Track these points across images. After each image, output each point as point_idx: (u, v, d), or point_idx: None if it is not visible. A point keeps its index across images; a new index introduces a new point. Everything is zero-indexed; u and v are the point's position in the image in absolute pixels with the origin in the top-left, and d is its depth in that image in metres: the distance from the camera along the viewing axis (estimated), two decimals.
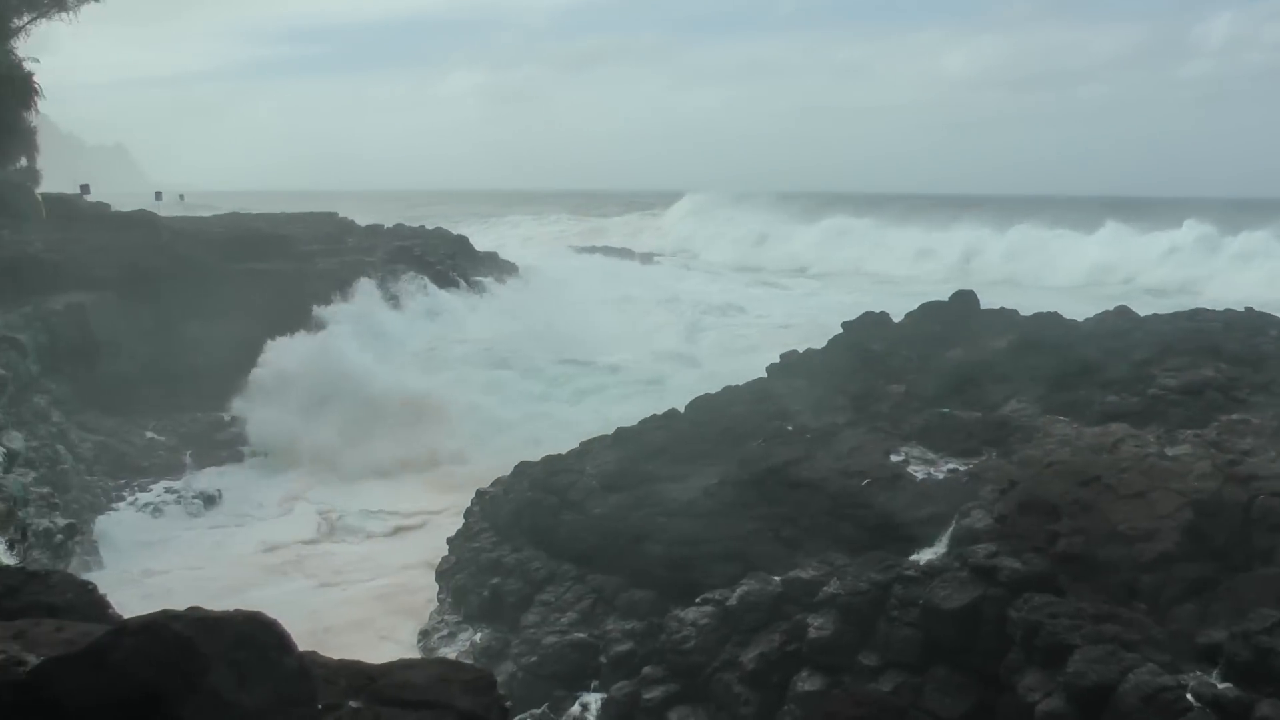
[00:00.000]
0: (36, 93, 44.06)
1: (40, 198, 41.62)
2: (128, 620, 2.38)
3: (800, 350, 25.78)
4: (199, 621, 2.37)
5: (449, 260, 50.56)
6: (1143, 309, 25.81)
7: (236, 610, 2.56)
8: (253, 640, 2.42)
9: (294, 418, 32.04)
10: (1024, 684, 12.79)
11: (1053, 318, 24.78)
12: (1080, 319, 24.92)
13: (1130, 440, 16.73)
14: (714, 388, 24.11)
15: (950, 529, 16.06)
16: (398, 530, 26.20)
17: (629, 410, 25.90)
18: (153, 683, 2.17)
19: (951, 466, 18.18)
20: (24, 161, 44.97)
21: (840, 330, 26.03)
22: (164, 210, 49.03)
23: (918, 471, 18.10)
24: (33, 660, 2.48)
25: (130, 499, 27.45)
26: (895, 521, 16.79)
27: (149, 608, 2.78)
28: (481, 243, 63.20)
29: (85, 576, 3.99)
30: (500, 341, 41.03)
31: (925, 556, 15.69)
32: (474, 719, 3.01)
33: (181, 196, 63.06)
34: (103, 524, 24.97)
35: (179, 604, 2.62)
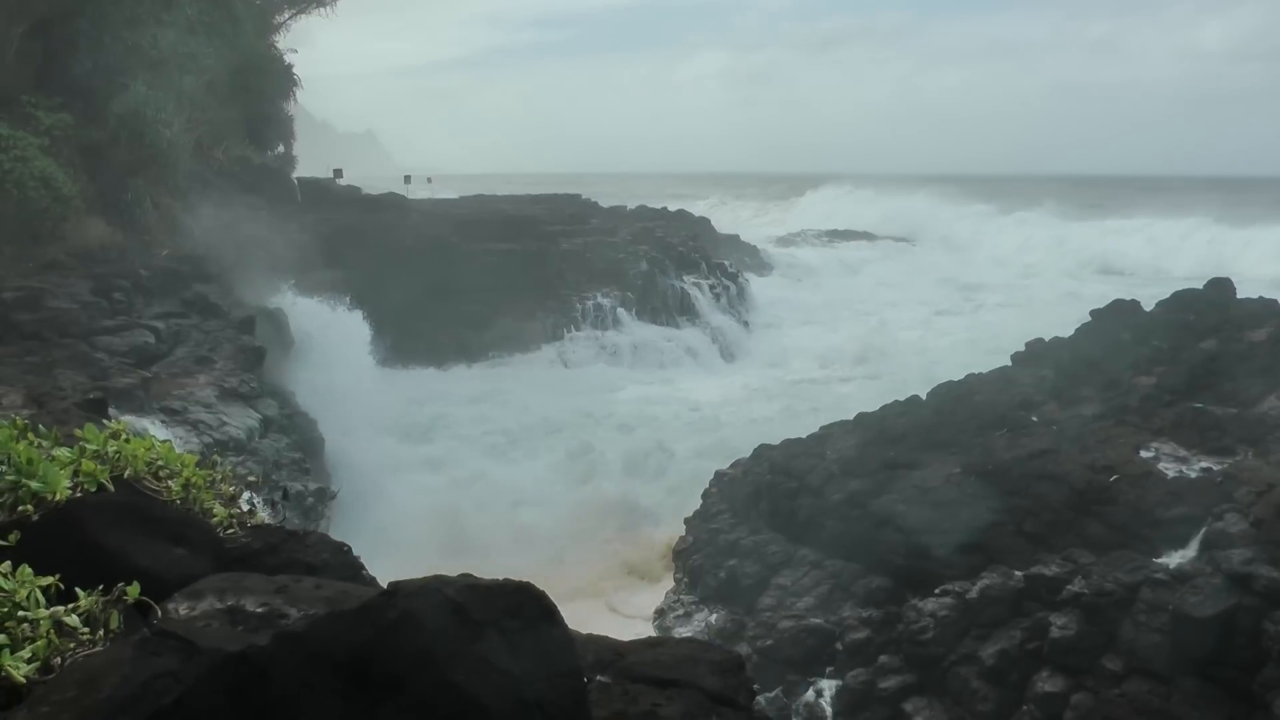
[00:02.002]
0: (295, 84, 46.14)
1: (296, 182, 43.39)
2: (400, 582, 2.39)
3: (1046, 339, 25.11)
4: (471, 588, 2.41)
5: (690, 242, 50.82)
6: None
7: (506, 579, 2.55)
8: (522, 610, 2.46)
9: None
10: None
11: None
12: None
13: None
14: None
15: (1202, 532, 15.44)
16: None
17: None
18: (426, 645, 2.24)
19: (1204, 465, 17.45)
20: (281, 148, 46.91)
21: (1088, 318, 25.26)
22: (412, 193, 50.55)
23: (1168, 469, 17.45)
24: (294, 614, 2.59)
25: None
26: (1144, 520, 16.23)
27: (392, 571, 2.87)
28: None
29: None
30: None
31: (1175, 559, 15.16)
32: (722, 700, 3.00)
33: (429, 179, 64.71)
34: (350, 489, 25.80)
35: (421, 570, 2.67)
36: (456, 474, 27.89)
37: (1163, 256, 74.53)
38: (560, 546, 23.84)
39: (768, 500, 20.50)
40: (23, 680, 2.52)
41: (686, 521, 22.18)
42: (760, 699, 15.99)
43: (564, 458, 29.43)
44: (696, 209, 72.30)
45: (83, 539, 3.10)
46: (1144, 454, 17.97)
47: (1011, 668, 14.83)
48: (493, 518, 25.09)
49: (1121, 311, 25.14)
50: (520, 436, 31.41)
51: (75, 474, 3.49)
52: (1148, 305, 24.17)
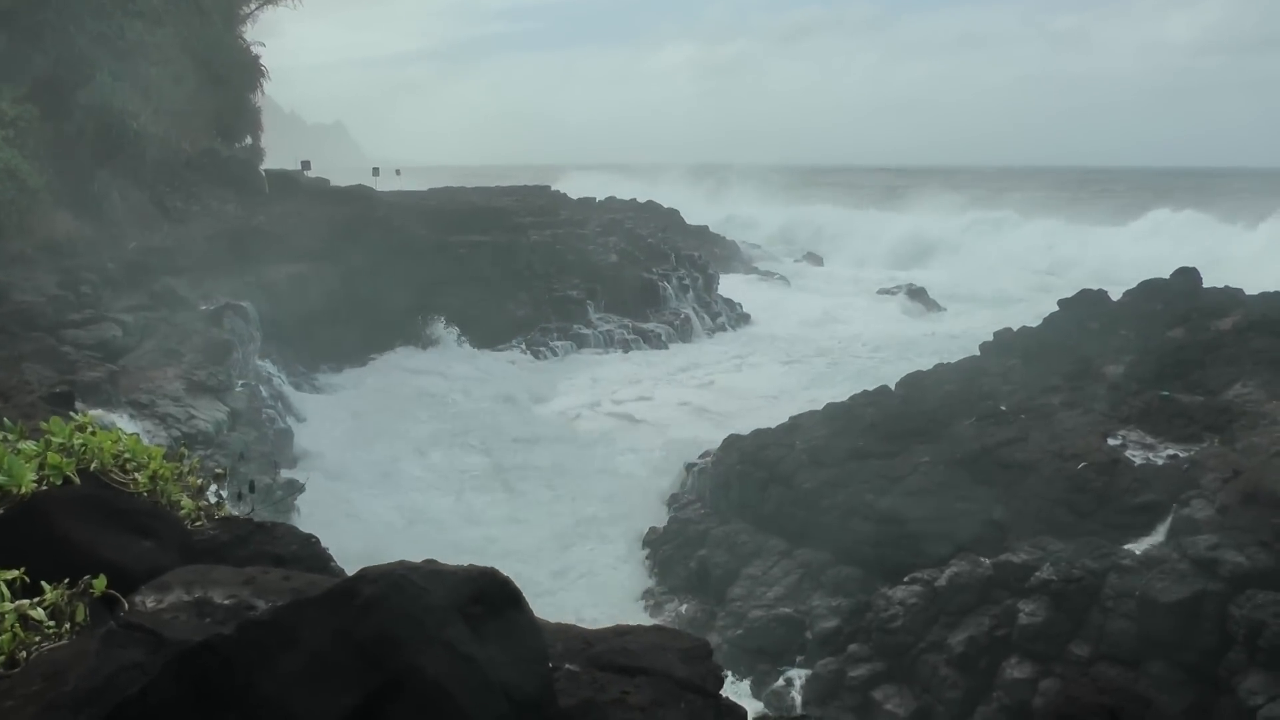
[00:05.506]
0: (263, 75, 45.95)
1: (264, 174, 43.11)
2: (366, 569, 2.36)
3: (1014, 329, 25.29)
4: (435, 574, 2.40)
5: (660, 234, 50.79)
6: None
7: (471, 565, 2.53)
8: (487, 595, 2.44)
9: None
10: (1245, 686, 12.39)
11: None
12: None
13: None
14: None
15: (1169, 518, 15.60)
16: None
17: None
18: (391, 631, 2.24)
19: (1171, 452, 17.62)
20: (249, 140, 46.66)
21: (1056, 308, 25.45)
22: (380, 184, 50.31)
23: (1136, 456, 17.61)
24: (262, 605, 2.60)
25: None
26: (1111, 507, 16.38)
27: (363, 562, 2.90)
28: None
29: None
30: None
31: (1142, 545, 15.28)
32: (691, 687, 2.94)
33: (398, 171, 64.43)
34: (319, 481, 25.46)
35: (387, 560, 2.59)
36: None
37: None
38: None
39: (737, 490, 20.54)
40: None
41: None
42: (731, 688, 16.03)
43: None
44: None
45: (48, 532, 3.08)
46: (1112, 442, 18.11)
47: (980, 655, 14.87)
48: None
49: (1089, 301, 25.34)
50: None
51: (41, 467, 3.47)
52: None
